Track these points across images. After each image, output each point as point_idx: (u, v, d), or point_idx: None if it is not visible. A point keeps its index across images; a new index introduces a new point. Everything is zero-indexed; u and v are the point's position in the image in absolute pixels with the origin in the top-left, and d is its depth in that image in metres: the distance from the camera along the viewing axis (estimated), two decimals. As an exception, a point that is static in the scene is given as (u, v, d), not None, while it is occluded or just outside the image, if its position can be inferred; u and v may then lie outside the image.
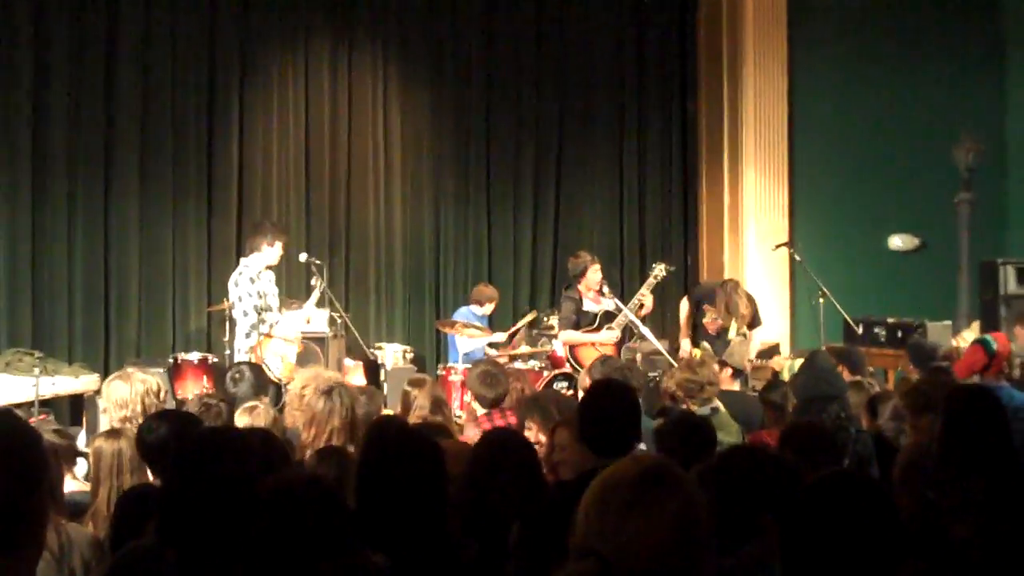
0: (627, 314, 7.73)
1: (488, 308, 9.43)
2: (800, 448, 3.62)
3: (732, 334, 7.75)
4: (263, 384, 5.67)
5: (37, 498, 1.68)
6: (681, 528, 1.83)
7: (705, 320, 8.02)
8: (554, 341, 8.43)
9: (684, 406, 5.12)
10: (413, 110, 10.30)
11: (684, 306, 8.33)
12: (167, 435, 3.50)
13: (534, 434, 4.34)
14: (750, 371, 7.37)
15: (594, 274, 7.85)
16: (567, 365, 7.88)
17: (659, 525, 1.82)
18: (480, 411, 5.33)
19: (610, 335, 7.77)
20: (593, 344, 7.76)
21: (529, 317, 9.44)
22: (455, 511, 2.92)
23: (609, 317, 7.84)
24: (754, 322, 7.91)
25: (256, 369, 5.74)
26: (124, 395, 4.46)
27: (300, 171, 9.80)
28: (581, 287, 7.92)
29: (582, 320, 7.86)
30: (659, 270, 8.07)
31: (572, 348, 7.85)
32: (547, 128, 10.72)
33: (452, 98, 10.41)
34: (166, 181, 9.29)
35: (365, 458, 2.83)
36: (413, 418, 5.08)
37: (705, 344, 7.74)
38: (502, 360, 7.76)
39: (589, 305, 7.92)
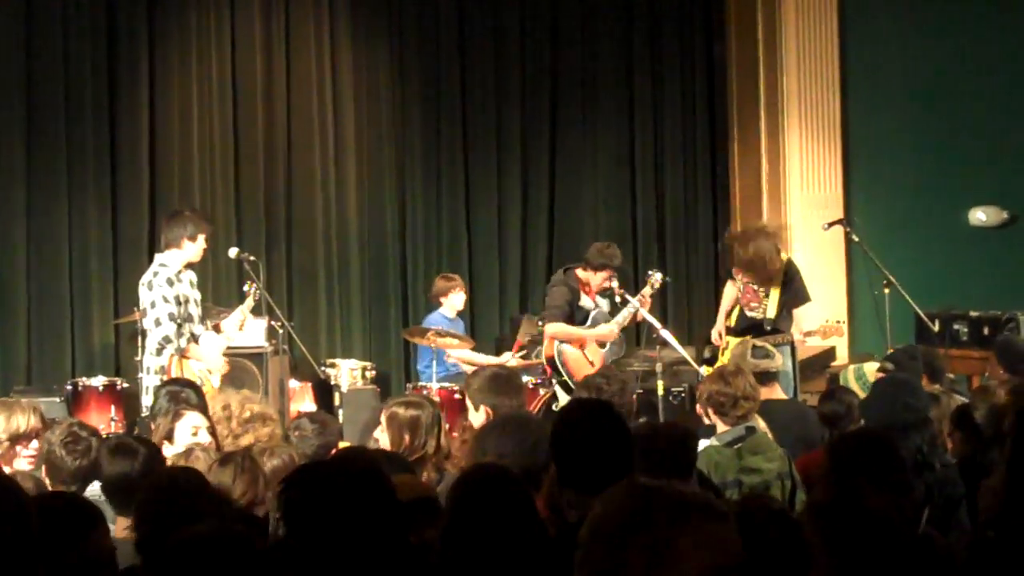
0: (643, 313, 7.69)
1: (455, 303, 9.15)
2: (853, 465, 3.69)
3: (772, 310, 7.71)
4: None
5: None
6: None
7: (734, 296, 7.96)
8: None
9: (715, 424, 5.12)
10: (368, 64, 10.34)
11: (729, 291, 8.14)
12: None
13: None
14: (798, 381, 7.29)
15: (612, 280, 7.86)
16: (551, 372, 7.87)
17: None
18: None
19: (607, 331, 7.86)
20: (582, 347, 7.83)
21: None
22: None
23: (598, 321, 7.93)
24: (795, 295, 7.77)
25: (200, 391, 5.55)
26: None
27: (227, 145, 9.85)
28: (583, 276, 7.91)
29: (576, 315, 7.91)
30: (655, 279, 8.22)
31: (560, 351, 7.86)
32: (538, 84, 10.77)
33: (416, 47, 10.43)
34: (58, 160, 9.29)
35: (325, 503, 2.81)
36: None
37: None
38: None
39: (584, 300, 7.98)
